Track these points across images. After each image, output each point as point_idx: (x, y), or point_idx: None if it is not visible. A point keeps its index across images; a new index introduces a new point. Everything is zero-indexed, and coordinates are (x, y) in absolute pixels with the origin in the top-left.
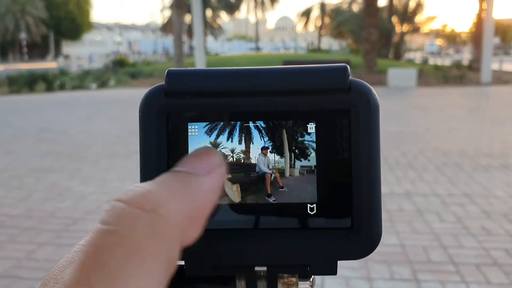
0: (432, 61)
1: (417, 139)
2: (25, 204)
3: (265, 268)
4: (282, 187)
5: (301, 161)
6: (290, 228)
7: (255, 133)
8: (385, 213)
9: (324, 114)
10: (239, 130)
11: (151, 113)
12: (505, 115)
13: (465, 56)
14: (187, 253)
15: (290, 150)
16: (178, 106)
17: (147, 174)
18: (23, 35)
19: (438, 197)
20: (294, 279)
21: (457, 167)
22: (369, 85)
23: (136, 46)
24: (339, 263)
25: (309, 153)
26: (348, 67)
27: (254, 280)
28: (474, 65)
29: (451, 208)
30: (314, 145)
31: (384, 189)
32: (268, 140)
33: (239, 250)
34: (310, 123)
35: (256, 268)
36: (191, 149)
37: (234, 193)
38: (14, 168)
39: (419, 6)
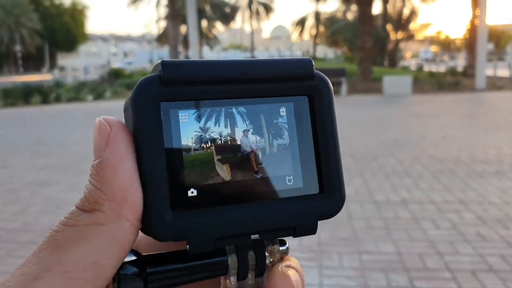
0: (427, 68)
1: (412, 146)
2: (22, 218)
3: (257, 236)
4: (260, 164)
5: (277, 140)
6: (275, 198)
7: (238, 118)
8: (381, 221)
9: (293, 99)
10: (224, 116)
11: (146, 101)
12: (499, 121)
13: (460, 63)
14: (190, 232)
15: (268, 131)
16: (172, 94)
17: (148, 163)
18: (17, 47)
19: (433, 204)
20: (276, 247)
21: (452, 174)
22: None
23: (132, 57)
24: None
25: (283, 132)
26: (312, 60)
27: (245, 251)
28: (469, 72)
29: (447, 215)
30: (286, 125)
31: (380, 197)
32: (249, 123)
33: (235, 222)
34: (281, 108)
35: (252, 237)
36: (183, 135)
37: (225, 172)
38: (10, 182)
39: (413, 13)
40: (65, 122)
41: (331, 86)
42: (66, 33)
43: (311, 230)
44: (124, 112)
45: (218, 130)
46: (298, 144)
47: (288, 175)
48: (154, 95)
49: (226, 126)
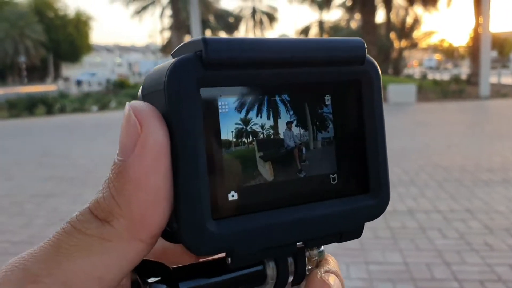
0: (430, 76)
1: (418, 155)
2: (27, 230)
3: (302, 244)
4: (304, 161)
5: (321, 133)
6: (319, 201)
7: (281, 107)
8: (388, 231)
9: (339, 86)
10: (267, 105)
11: (187, 88)
12: (504, 129)
13: (463, 71)
14: (234, 243)
15: (312, 123)
16: (216, 78)
17: (188, 165)
18: (22, 59)
19: (440, 213)
20: (315, 252)
21: (458, 182)
22: None
23: (137, 68)
24: None
25: (328, 124)
26: (364, 41)
27: (284, 258)
28: (473, 79)
29: (454, 224)
30: (331, 116)
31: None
32: (292, 113)
33: (281, 230)
34: (327, 96)
35: (298, 245)
36: (223, 128)
37: (267, 171)
38: (14, 194)
39: (416, 21)
40: (69, 133)
41: (380, 72)
42: (70, 44)
43: (358, 233)
44: (143, 95)
45: (260, 122)
46: (343, 138)
47: (332, 174)
48: (195, 80)
49: (268, 118)
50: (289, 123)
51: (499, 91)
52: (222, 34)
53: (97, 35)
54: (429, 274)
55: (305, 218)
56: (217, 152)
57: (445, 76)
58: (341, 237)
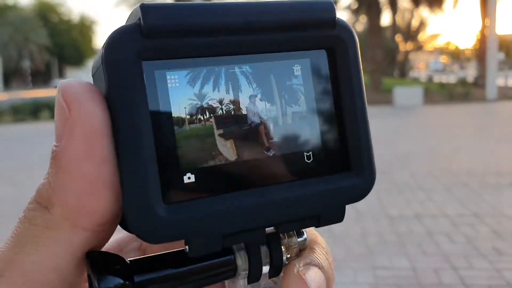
0: (437, 78)
1: (424, 159)
2: None
3: (273, 229)
4: (272, 138)
5: (292, 107)
6: (292, 180)
7: (242, 80)
8: (395, 236)
9: (309, 54)
10: (224, 77)
11: (126, 59)
12: (511, 132)
13: (470, 73)
14: (190, 229)
15: (280, 96)
16: (157, 50)
17: (130, 144)
18: (26, 63)
19: (447, 218)
20: (293, 239)
21: (465, 186)
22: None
23: None
24: None
25: (299, 97)
26: (333, 3)
27: (256, 246)
28: (479, 82)
29: (461, 229)
30: (302, 88)
31: (393, 211)
32: (256, 86)
33: (246, 213)
34: (296, 65)
35: (267, 230)
36: (173, 104)
37: (229, 150)
38: (19, 199)
39: (422, 24)
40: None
41: (356, 37)
42: (74, 48)
43: (338, 217)
44: (92, 76)
45: (218, 96)
46: (317, 112)
47: (306, 151)
48: (134, 51)
49: (227, 92)
50: (252, 97)
51: (506, 94)
52: None
53: (102, 39)
54: (436, 279)
55: (273, 199)
56: (167, 131)
57: (451, 79)
58: (319, 221)
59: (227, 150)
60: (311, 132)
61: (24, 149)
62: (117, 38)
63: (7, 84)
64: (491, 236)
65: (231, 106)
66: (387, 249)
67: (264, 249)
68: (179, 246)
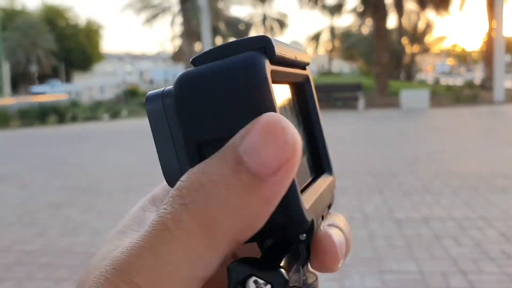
0: (443, 81)
1: (432, 162)
2: (41, 240)
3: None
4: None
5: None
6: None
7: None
8: (402, 239)
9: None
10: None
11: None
12: None
13: (477, 75)
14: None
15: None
16: (276, 74)
17: None
18: (34, 67)
19: (455, 221)
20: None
21: (473, 190)
22: None
23: (148, 76)
24: None
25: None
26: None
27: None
28: (486, 84)
29: (469, 232)
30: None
31: (400, 214)
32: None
33: (318, 201)
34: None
35: None
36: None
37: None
38: (28, 203)
39: (428, 26)
40: (81, 142)
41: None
42: (81, 53)
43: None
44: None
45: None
46: (301, 127)
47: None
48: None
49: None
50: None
51: None
52: None
53: (108, 44)
54: (444, 283)
55: (322, 192)
56: None
57: (458, 81)
58: (329, 206)
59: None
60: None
61: (31, 153)
62: (260, 63)
63: (15, 89)
64: (499, 240)
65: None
66: (394, 252)
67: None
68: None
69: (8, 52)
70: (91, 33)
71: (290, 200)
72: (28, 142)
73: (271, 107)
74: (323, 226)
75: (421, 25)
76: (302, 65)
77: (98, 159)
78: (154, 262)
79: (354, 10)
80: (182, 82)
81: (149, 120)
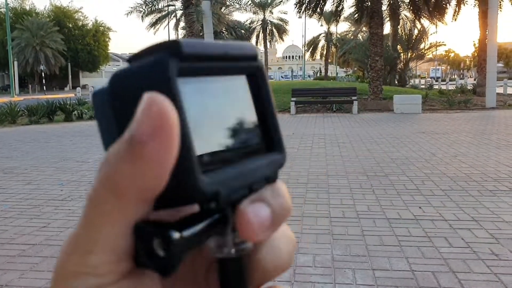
0: (436, 87)
1: (423, 164)
2: (45, 232)
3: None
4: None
5: (244, 109)
6: (255, 156)
7: (220, 91)
8: (394, 238)
9: (248, 75)
10: (213, 88)
11: (173, 78)
12: (510, 139)
13: (469, 81)
14: (218, 187)
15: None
16: (187, 69)
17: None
18: (42, 67)
19: (446, 222)
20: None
21: (464, 191)
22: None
23: None
24: None
25: (246, 103)
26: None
27: (235, 205)
28: (479, 90)
29: (460, 233)
30: (247, 96)
31: (392, 214)
32: (225, 95)
33: (242, 176)
34: (242, 81)
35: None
36: (190, 108)
37: (225, 139)
38: (33, 197)
39: (423, 33)
40: (87, 139)
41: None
42: (88, 53)
43: (275, 178)
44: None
45: (209, 101)
46: (256, 113)
47: (254, 137)
48: (176, 70)
49: (214, 97)
50: (224, 101)
51: (505, 102)
52: None
53: (114, 45)
54: (435, 283)
55: (251, 168)
56: (191, 125)
57: (451, 87)
58: (268, 180)
59: (219, 137)
60: (254, 125)
61: (38, 149)
62: (166, 61)
63: (23, 88)
64: (489, 241)
65: (217, 108)
66: (386, 251)
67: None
68: None
69: (16, 52)
70: (98, 34)
71: (183, 167)
72: (35, 139)
73: (169, 93)
74: (244, 204)
75: (415, 32)
76: (245, 58)
77: (102, 155)
78: (85, 228)
79: (350, 17)
80: (112, 79)
81: (94, 113)
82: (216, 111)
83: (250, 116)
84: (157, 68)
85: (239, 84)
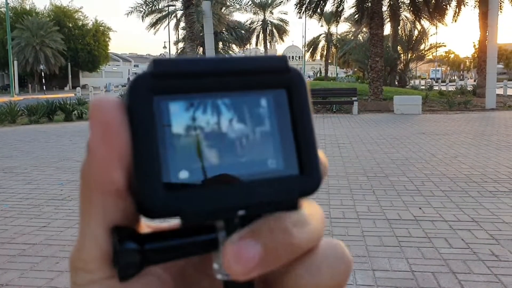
0: (436, 87)
1: (423, 165)
2: (45, 232)
3: (244, 212)
4: (244, 148)
5: (260, 127)
6: (260, 179)
7: (223, 108)
8: (394, 239)
9: (272, 92)
10: (211, 106)
11: (139, 95)
12: (510, 140)
13: (469, 82)
14: (180, 208)
15: (251, 120)
16: (164, 87)
17: (141, 149)
18: (42, 67)
19: (446, 223)
20: None
21: (464, 192)
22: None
23: None
24: None
25: (265, 121)
26: (287, 57)
27: (234, 226)
28: (478, 91)
29: (460, 234)
30: (268, 115)
31: (392, 215)
32: (233, 113)
33: (223, 197)
34: (263, 99)
35: (239, 212)
36: (174, 124)
37: (213, 156)
38: (34, 197)
39: (423, 34)
40: (86, 138)
41: (305, 80)
42: (88, 53)
43: (295, 206)
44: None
45: (206, 119)
46: (279, 132)
47: (270, 158)
48: (148, 88)
49: (213, 115)
50: (231, 120)
51: (505, 103)
52: (234, 46)
53: (114, 45)
54: (435, 283)
55: (243, 189)
56: (169, 142)
57: (451, 88)
58: (278, 208)
59: (212, 156)
60: (273, 145)
61: (38, 148)
62: (137, 78)
63: (23, 88)
64: (489, 242)
65: (215, 126)
66: (386, 252)
67: (238, 228)
68: None
69: (16, 51)
70: (98, 34)
71: (139, 179)
72: (35, 138)
73: (134, 109)
74: (234, 238)
75: (416, 33)
76: (270, 71)
77: None
78: (79, 223)
79: (350, 18)
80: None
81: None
82: (214, 128)
83: (266, 134)
84: (129, 84)
85: (256, 100)
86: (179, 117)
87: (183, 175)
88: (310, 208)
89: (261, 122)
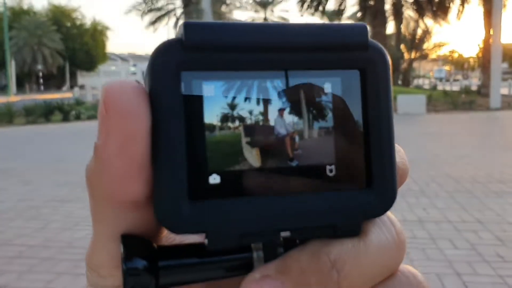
0: (440, 87)
1: (428, 165)
2: (43, 234)
3: (288, 233)
4: (297, 150)
5: (318, 122)
6: (312, 191)
7: (272, 93)
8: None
9: (340, 74)
10: (256, 90)
11: (167, 68)
12: None
13: (474, 81)
14: (209, 224)
15: (308, 111)
16: (195, 62)
17: (164, 143)
18: (39, 67)
19: (450, 224)
20: None
21: (469, 193)
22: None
23: None
24: None
25: (327, 113)
26: (367, 26)
27: (273, 248)
28: (483, 91)
29: (464, 235)
30: (331, 105)
31: (396, 216)
32: (285, 101)
33: (263, 216)
34: (326, 84)
35: (282, 234)
36: (207, 112)
37: (254, 157)
38: (31, 198)
39: (426, 33)
40: (85, 139)
41: (389, 59)
42: (86, 53)
43: (354, 230)
44: (143, 80)
45: (249, 107)
46: (343, 128)
47: (329, 165)
48: (175, 61)
49: (258, 103)
50: (280, 110)
51: (510, 103)
52: None
53: (112, 45)
54: (440, 285)
55: (292, 206)
56: (199, 134)
57: (455, 87)
58: (335, 232)
59: (252, 157)
60: (336, 147)
61: (36, 149)
62: (161, 49)
63: (20, 87)
64: (494, 243)
65: (260, 117)
66: None
67: (280, 251)
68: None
69: (14, 51)
70: (96, 33)
71: (156, 181)
72: (32, 139)
73: (162, 98)
74: (254, 277)
75: (419, 32)
76: (341, 46)
77: None
78: (92, 219)
79: (353, 16)
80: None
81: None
82: (259, 120)
83: (327, 131)
84: (150, 58)
85: (317, 85)
86: (214, 102)
87: (214, 180)
88: (378, 230)
89: (322, 114)
